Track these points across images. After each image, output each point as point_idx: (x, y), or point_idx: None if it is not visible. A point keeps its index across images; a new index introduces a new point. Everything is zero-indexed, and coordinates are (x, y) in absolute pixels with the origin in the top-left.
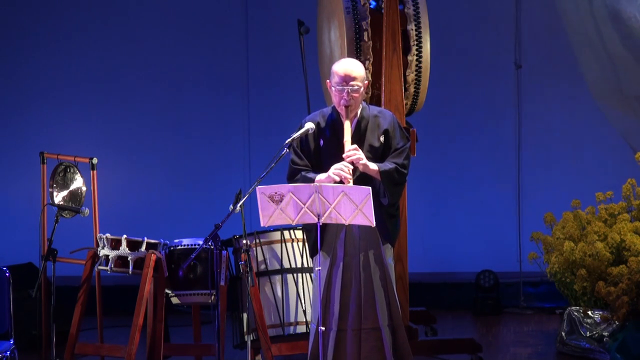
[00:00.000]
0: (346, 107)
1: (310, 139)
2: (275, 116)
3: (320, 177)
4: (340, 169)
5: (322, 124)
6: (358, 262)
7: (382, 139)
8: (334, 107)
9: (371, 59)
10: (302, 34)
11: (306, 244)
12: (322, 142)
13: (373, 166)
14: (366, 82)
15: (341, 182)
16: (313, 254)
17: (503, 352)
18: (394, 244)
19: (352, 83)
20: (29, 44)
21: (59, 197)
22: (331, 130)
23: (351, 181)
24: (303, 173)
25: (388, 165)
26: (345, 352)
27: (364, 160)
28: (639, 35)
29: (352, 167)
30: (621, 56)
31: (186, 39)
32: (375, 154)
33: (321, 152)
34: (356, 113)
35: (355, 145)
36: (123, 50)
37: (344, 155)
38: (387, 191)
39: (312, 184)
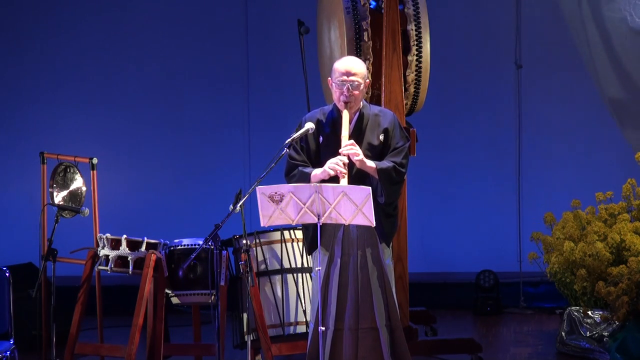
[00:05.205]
0: (345, 103)
1: (310, 137)
2: (275, 116)
3: (316, 171)
4: (336, 163)
5: (323, 121)
6: (355, 262)
7: (381, 137)
8: (334, 105)
9: (371, 59)
10: (302, 34)
11: (304, 242)
12: (321, 139)
13: (370, 164)
14: (367, 80)
15: (336, 176)
16: (310, 251)
17: (503, 352)
18: (389, 244)
19: (352, 78)
20: (29, 44)
21: (59, 197)
22: (331, 128)
23: (346, 176)
24: (300, 168)
25: (386, 163)
26: (342, 352)
27: (361, 157)
28: (621, 35)
29: (347, 161)
30: (600, 57)
31: (186, 39)
32: (374, 153)
33: (320, 148)
34: (356, 110)
35: (352, 141)
36: (123, 51)
37: (340, 150)
38: (384, 190)
39: (312, 184)
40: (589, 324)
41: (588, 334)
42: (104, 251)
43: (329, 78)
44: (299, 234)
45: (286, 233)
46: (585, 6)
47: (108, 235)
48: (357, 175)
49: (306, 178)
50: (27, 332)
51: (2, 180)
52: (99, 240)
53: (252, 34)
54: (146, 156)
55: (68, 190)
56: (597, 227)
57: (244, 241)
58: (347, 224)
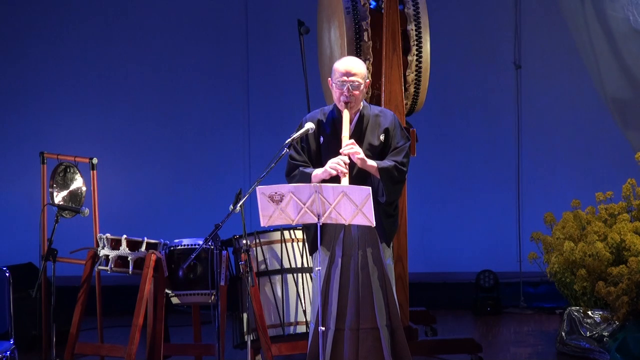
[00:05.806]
0: (346, 103)
1: (311, 137)
2: (275, 116)
3: (317, 171)
4: (337, 163)
5: (323, 121)
6: (356, 262)
7: (382, 137)
8: (335, 105)
9: (371, 59)
10: (302, 34)
11: (306, 242)
12: (322, 139)
13: (372, 163)
14: (367, 80)
15: (338, 176)
16: (312, 251)
17: (503, 352)
18: (389, 244)
19: (352, 79)
20: (29, 44)
21: (59, 197)
22: (331, 128)
23: (347, 175)
24: (301, 168)
25: (387, 162)
26: (342, 352)
27: (361, 155)
28: (624, 35)
29: (348, 160)
30: (603, 57)
31: (186, 39)
32: (374, 153)
33: (321, 149)
34: (357, 111)
35: (352, 140)
36: (123, 50)
37: (340, 150)
38: (385, 189)
39: (312, 184)
40: (589, 324)
41: (588, 334)
42: (104, 251)
43: (329, 78)
44: (299, 234)
45: (286, 233)
46: (589, 6)
47: (108, 235)
48: (358, 175)
49: (307, 178)
50: (27, 332)
51: (2, 180)
52: (99, 240)
53: (252, 34)
54: (146, 156)
55: (68, 190)
56: (597, 227)
57: (244, 241)
58: (347, 224)
